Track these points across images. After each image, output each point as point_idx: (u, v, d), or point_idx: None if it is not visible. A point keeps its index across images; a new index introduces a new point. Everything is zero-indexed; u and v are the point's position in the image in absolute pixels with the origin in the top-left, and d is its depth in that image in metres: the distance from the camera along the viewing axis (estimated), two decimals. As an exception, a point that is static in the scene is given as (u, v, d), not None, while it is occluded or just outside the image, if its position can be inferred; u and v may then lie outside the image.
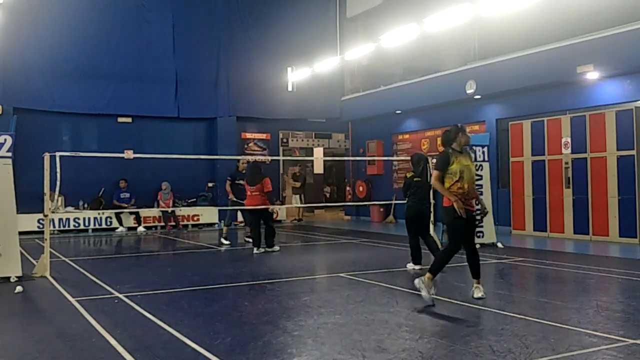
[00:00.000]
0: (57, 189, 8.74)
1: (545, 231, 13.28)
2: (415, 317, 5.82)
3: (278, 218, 18.95)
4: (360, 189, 19.90)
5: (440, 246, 9.11)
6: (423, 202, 8.76)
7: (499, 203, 14.25)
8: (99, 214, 16.51)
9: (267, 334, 5.23)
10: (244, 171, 12.78)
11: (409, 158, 17.51)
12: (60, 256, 10.92)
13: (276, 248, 11.20)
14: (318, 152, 22.15)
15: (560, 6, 12.94)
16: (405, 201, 8.87)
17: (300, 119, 20.18)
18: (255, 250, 10.98)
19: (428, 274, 6.32)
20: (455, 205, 6.16)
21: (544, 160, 13.40)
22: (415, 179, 8.73)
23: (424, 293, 6.25)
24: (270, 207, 12.17)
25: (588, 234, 12.43)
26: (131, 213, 16.58)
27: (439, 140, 17.39)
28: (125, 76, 17.40)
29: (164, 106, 17.95)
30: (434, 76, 16.62)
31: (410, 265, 8.81)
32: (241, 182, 12.47)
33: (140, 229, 16.67)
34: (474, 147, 11.48)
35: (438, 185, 6.41)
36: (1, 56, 15.82)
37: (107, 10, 17.22)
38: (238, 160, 13.19)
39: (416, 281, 6.41)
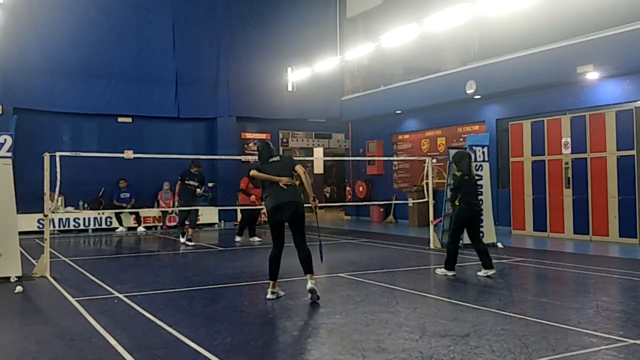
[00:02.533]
0: (57, 189, 8.73)
1: (545, 231, 13.29)
2: (415, 317, 5.82)
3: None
4: (360, 189, 19.90)
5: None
6: (476, 202, 8.34)
7: (499, 203, 14.25)
8: (99, 214, 16.52)
9: (267, 334, 5.23)
10: (195, 172, 12.73)
11: (408, 158, 17.85)
12: (60, 256, 10.92)
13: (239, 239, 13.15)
14: (318, 152, 22.14)
15: (560, 6, 12.94)
16: (456, 203, 8.25)
17: (300, 119, 20.17)
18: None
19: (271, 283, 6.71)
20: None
21: (544, 160, 13.41)
22: (465, 178, 8.20)
23: (269, 296, 6.68)
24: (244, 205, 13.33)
25: (588, 234, 12.43)
26: (131, 213, 16.59)
27: (438, 140, 17.46)
28: (125, 76, 17.40)
29: (164, 106, 17.95)
30: (434, 76, 16.62)
31: (443, 271, 8.21)
32: (191, 182, 12.48)
33: (140, 229, 16.67)
34: (474, 147, 11.48)
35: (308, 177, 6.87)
36: (1, 56, 15.82)
37: (107, 10, 17.22)
38: (195, 164, 12.88)
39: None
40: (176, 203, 12.84)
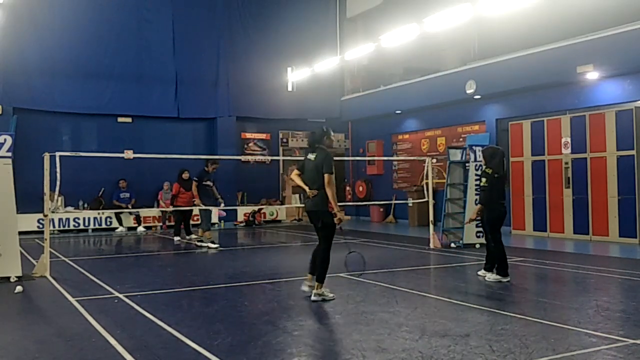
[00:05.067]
0: (57, 189, 8.73)
1: (545, 231, 13.29)
2: (415, 317, 5.82)
3: (278, 218, 18.97)
4: (360, 189, 19.90)
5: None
6: (503, 202, 7.96)
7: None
8: (99, 214, 16.52)
9: (267, 334, 5.23)
10: (212, 171, 12.58)
11: (408, 158, 17.85)
12: (60, 256, 10.92)
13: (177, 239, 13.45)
14: (318, 152, 22.09)
15: (560, 6, 12.94)
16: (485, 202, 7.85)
17: (300, 119, 20.18)
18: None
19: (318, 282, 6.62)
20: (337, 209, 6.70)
21: (544, 160, 13.41)
22: (496, 176, 7.77)
23: (304, 288, 6.81)
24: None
25: (588, 234, 12.43)
26: (131, 213, 16.59)
27: (438, 140, 17.46)
28: (125, 76, 17.40)
29: (164, 106, 17.95)
30: (434, 76, 16.62)
31: (496, 277, 7.72)
32: (209, 182, 12.35)
33: (140, 229, 16.67)
34: (474, 147, 11.48)
35: (331, 189, 6.63)
36: (1, 56, 15.82)
37: (107, 10, 17.23)
38: (212, 162, 12.59)
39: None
40: (199, 204, 12.27)
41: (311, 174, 6.68)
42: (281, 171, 20.30)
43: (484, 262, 8.11)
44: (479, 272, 8.12)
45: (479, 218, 8.20)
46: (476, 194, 11.20)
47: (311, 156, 6.73)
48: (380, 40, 14.23)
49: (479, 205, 8.10)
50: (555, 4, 12.68)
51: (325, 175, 6.60)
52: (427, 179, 12.11)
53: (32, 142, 15.16)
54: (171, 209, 16.72)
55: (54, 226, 15.55)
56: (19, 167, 11.52)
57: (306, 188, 6.67)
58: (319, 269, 6.61)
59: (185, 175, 13.23)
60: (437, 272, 9.22)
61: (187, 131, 18.72)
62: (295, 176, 6.90)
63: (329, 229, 6.66)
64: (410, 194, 17.14)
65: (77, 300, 6.78)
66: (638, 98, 12.12)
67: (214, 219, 17.48)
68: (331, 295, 6.62)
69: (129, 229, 16.65)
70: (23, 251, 9.32)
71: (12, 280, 8.02)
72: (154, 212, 17.05)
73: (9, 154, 8.23)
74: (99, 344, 4.97)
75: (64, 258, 10.69)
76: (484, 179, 7.95)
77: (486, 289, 7.29)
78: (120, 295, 7.02)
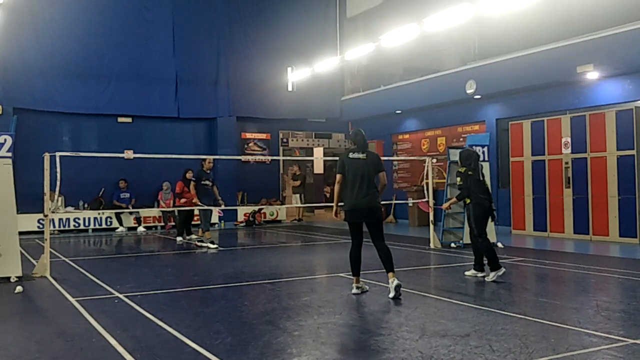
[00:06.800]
0: (57, 189, 8.73)
1: (545, 231, 13.29)
2: (415, 317, 5.82)
3: (278, 218, 18.97)
4: (360, 189, 19.84)
5: None
6: (485, 197, 8.06)
7: (499, 203, 14.25)
8: (99, 214, 16.52)
9: (267, 334, 5.23)
10: (208, 171, 12.61)
11: (408, 158, 17.86)
12: (60, 256, 10.92)
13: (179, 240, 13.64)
14: (318, 152, 22.15)
15: (560, 6, 12.94)
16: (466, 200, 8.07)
17: (300, 119, 20.19)
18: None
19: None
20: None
21: (544, 160, 13.41)
22: (469, 173, 7.98)
23: (354, 291, 6.93)
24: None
25: (588, 234, 12.43)
26: (131, 213, 16.59)
27: (438, 140, 17.46)
28: (125, 76, 17.40)
29: (164, 106, 17.96)
30: (434, 76, 16.62)
31: (492, 274, 7.71)
32: (207, 182, 12.37)
33: (140, 229, 16.67)
34: (474, 147, 11.47)
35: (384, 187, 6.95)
36: (1, 56, 15.82)
37: (108, 10, 17.24)
38: (204, 160, 12.72)
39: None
40: (197, 202, 12.31)
41: (365, 171, 6.77)
42: (281, 171, 20.30)
43: (473, 262, 8.16)
44: (467, 273, 8.18)
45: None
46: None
47: (360, 155, 6.84)
48: (380, 40, 14.23)
49: (453, 199, 8.58)
50: (555, 4, 12.69)
51: (383, 173, 6.91)
52: (427, 179, 12.11)
53: (32, 142, 15.17)
54: (172, 208, 16.82)
55: (54, 226, 15.55)
56: (19, 167, 11.53)
57: (335, 203, 6.95)
58: (389, 261, 6.78)
59: (189, 175, 13.27)
60: (437, 272, 9.23)
61: (187, 131, 18.72)
62: (337, 186, 6.93)
63: (381, 222, 6.99)
64: (410, 194, 17.14)
65: (77, 300, 6.78)
66: (638, 98, 12.12)
67: (215, 219, 17.57)
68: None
69: (129, 229, 16.65)
70: (23, 251, 9.32)
71: (12, 280, 8.03)
72: (154, 212, 17.06)
73: (9, 154, 8.23)
74: (99, 344, 4.97)
75: (64, 258, 10.69)
76: (458, 178, 8.24)
77: (486, 289, 7.29)
78: (121, 296, 7.02)
